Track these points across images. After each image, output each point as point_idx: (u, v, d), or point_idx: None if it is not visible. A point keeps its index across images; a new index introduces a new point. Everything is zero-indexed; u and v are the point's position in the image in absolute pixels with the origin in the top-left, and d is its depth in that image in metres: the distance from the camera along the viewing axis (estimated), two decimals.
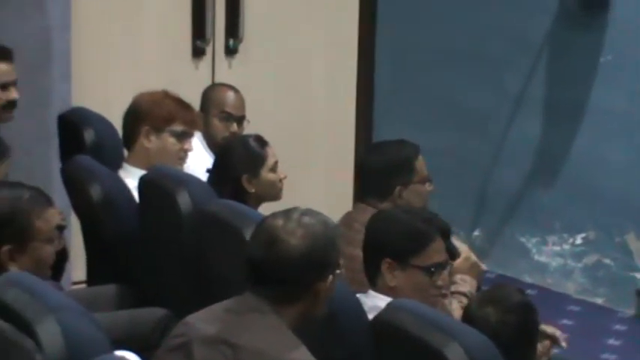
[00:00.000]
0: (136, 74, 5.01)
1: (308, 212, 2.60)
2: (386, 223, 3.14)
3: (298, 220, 2.55)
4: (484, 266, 3.71)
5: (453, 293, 3.52)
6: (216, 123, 4.42)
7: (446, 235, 3.56)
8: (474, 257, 3.62)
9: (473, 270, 3.59)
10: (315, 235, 2.54)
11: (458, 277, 3.55)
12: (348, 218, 3.79)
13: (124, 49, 5.15)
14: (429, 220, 3.15)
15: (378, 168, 3.79)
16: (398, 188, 3.75)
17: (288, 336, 2.52)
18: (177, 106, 3.95)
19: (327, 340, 2.72)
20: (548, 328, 3.24)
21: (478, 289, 3.58)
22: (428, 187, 3.83)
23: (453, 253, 3.58)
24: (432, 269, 3.09)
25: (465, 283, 3.54)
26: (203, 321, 2.58)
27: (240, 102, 4.49)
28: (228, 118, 4.42)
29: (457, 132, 5.78)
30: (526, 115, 5.55)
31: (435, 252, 3.12)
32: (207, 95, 4.52)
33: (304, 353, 2.49)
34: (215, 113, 4.43)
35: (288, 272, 2.53)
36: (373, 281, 3.11)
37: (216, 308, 2.61)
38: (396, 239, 3.09)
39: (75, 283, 4.59)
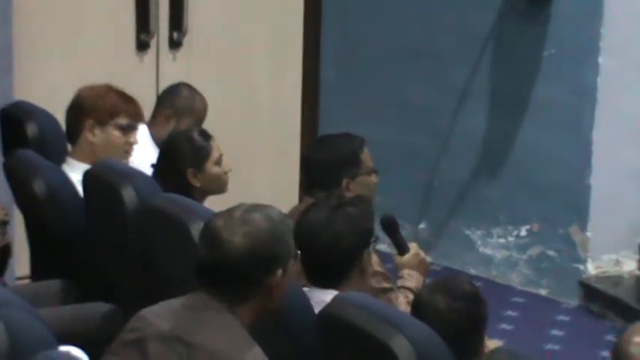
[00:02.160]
0: (80, 68, 4.97)
1: (253, 208, 2.59)
2: (337, 226, 3.15)
3: (240, 218, 2.55)
4: (429, 259, 3.74)
5: (399, 288, 3.54)
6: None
7: (395, 228, 3.59)
8: (422, 254, 3.64)
9: (421, 266, 3.61)
10: (258, 232, 2.53)
11: (405, 272, 3.58)
12: (295, 212, 3.78)
13: (67, 43, 5.11)
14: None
15: (324, 161, 3.80)
16: (345, 181, 3.77)
17: (243, 336, 2.51)
18: (121, 99, 3.93)
19: (275, 336, 2.72)
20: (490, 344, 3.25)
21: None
22: (374, 178, 3.85)
23: (402, 247, 3.61)
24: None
25: (412, 279, 3.56)
26: (159, 316, 2.57)
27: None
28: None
29: (403, 126, 5.80)
30: (471, 109, 5.59)
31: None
32: (193, 102, 4.49)
33: (258, 354, 2.49)
34: (190, 123, 4.38)
35: (235, 272, 2.53)
36: (336, 281, 3.10)
37: (172, 304, 2.60)
38: (355, 237, 3.12)
39: (19, 279, 4.55)
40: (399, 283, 3.57)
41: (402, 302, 3.45)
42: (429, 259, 3.69)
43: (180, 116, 4.45)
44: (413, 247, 3.64)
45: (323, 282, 3.11)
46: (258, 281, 2.54)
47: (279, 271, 2.56)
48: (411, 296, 3.45)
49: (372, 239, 3.20)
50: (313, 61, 5.93)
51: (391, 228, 3.63)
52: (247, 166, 5.41)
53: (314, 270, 3.12)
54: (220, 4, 5.50)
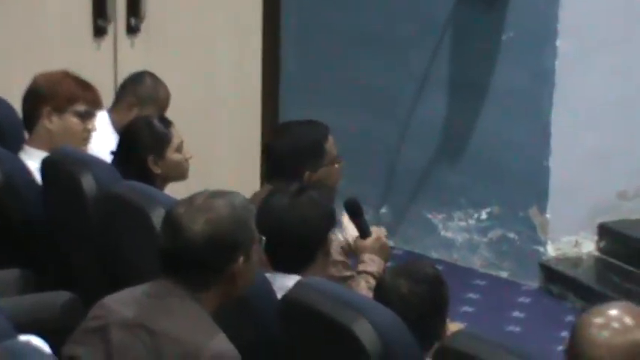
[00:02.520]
0: (36, 55, 4.93)
1: (215, 195, 2.58)
2: (301, 211, 3.14)
3: (200, 206, 2.54)
4: (391, 243, 3.75)
5: (360, 272, 3.54)
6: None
7: (358, 212, 3.59)
8: (384, 239, 3.64)
9: (382, 251, 3.61)
10: (218, 219, 2.52)
11: (366, 256, 3.58)
12: (255, 199, 3.76)
13: (23, 29, 5.06)
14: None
15: (287, 152, 3.73)
16: (307, 174, 3.71)
17: (207, 322, 2.51)
18: (79, 85, 3.89)
19: (237, 322, 2.71)
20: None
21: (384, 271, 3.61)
22: (337, 166, 3.81)
23: (365, 231, 3.61)
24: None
25: (373, 263, 3.56)
26: (121, 304, 2.56)
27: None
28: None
29: (364, 111, 5.80)
30: (431, 95, 5.59)
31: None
32: (157, 90, 4.47)
33: (222, 340, 2.48)
34: (154, 111, 4.35)
35: (197, 259, 2.52)
36: (298, 266, 3.09)
37: (135, 292, 2.59)
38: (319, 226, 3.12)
39: None
40: (360, 267, 3.57)
41: (364, 287, 3.45)
42: (390, 243, 3.69)
43: (142, 105, 4.43)
44: (375, 231, 3.64)
45: (287, 267, 3.10)
46: (220, 268, 2.54)
47: (241, 258, 2.55)
48: (372, 281, 3.45)
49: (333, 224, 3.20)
50: (273, 46, 5.91)
51: (355, 211, 3.63)
52: (208, 153, 5.39)
53: (278, 255, 3.12)
54: None
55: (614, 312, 2.33)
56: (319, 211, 3.15)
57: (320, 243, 3.13)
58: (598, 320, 2.31)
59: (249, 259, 2.57)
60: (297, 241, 3.10)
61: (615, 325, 2.29)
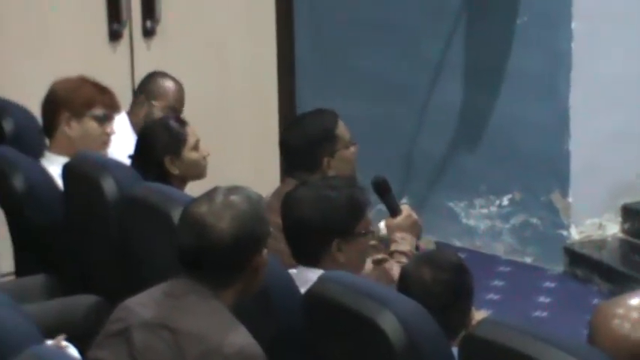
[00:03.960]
0: (53, 61, 4.95)
1: (230, 191, 2.59)
2: (323, 203, 3.11)
3: (222, 202, 2.55)
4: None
5: (392, 252, 3.52)
6: (158, 114, 4.35)
7: (386, 190, 3.57)
8: (414, 215, 3.63)
9: (414, 228, 3.60)
10: (242, 214, 2.54)
11: (398, 235, 3.55)
12: (280, 192, 3.76)
13: (38, 35, 5.08)
14: (360, 187, 3.18)
15: (300, 144, 3.79)
16: (326, 159, 3.75)
17: (228, 318, 2.52)
18: (96, 90, 3.92)
19: (260, 317, 2.72)
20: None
21: (417, 248, 3.60)
22: (353, 149, 3.84)
23: (394, 210, 3.60)
24: (369, 232, 3.14)
25: (405, 242, 3.54)
26: (142, 305, 2.57)
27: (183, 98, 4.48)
28: (170, 113, 4.36)
29: (380, 101, 5.80)
30: (446, 81, 5.58)
31: (369, 215, 3.15)
32: (157, 84, 4.49)
33: (243, 334, 2.49)
34: (161, 105, 4.38)
35: (223, 256, 2.53)
36: (316, 259, 3.08)
37: (155, 292, 2.60)
38: (340, 217, 3.09)
39: (3, 275, 4.53)
40: (393, 247, 3.54)
41: (395, 268, 3.41)
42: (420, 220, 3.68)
43: (151, 99, 4.44)
44: (405, 208, 3.63)
45: (307, 258, 3.10)
46: (244, 264, 2.55)
47: (264, 251, 2.56)
48: (404, 260, 3.42)
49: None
50: (287, 42, 5.91)
51: (383, 190, 3.63)
52: (227, 151, 5.40)
53: (299, 247, 3.12)
54: None
55: (635, 302, 2.24)
56: (338, 203, 3.13)
57: (341, 232, 3.10)
58: (619, 311, 2.23)
59: (265, 254, 2.60)
60: (316, 231, 3.08)
61: (636, 316, 2.21)
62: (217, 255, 2.53)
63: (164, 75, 4.56)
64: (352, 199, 3.14)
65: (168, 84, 4.52)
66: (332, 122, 3.81)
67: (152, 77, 4.56)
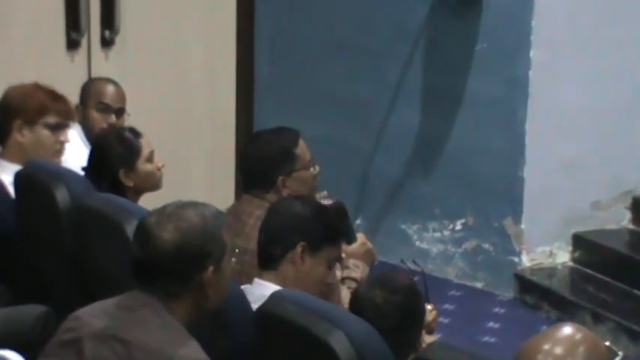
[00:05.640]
0: (9, 69, 4.90)
1: (185, 205, 2.59)
2: (304, 210, 3.14)
3: (170, 214, 2.55)
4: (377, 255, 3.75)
5: (344, 279, 3.53)
6: (95, 115, 4.36)
7: (345, 216, 3.58)
8: (369, 244, 3.64)
9: (367, 256, 3.61)
10: (187, 227, 2.53)
11: (351, 262, 3.57)
12: (235, 210, 3.75)
13: None
14: (348, 219, 3.21)
15: (259, 160, 3.75)
16: (280, 178, 3.72)
17: (180, 332, 2.51)
18: (50, 97, 3.88)
19: (212, 332, 2.70)
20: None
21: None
22: (313, 171, 3.81)
23: (350, 237, 3.60)
24: (332, 263, 3.14)
25: (358, 269, 3.57)
26: (94, 316, 2.56)
27: (119, 94, 4.43)
28: (105, 109, 4.37)
29: (338, 121, 5.81)
30: (405, 104, 5.61)
31: (339, 250, 3.18)
32: (86, 88, 4.48)
33: (194, 349, 2.48)
34: (93, 105, 4.38)
35: (165, 267, 2.52)
36: (272, 266, 3.09)
37: (108, 304, 2.59)
38: (313, 224, 3.11)
39: None
40: (345, 273, 3.55)
41: (346, 294, 3.43)
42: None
43: (83, 104, 4.40)
44: (360, 236, 3.64)
45: (267, 263, 3.12)
46: (188, 277, 2.54)
47: (211, 268, 2.55)
48: (354, 286, 3.44)
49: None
50: (247, 56, 5.91)
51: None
52: (183, 164, 5.38)
53: (263, 251, 3.14)
54: (152, 1, 5.45)
55: (562, 336, 2.18)
56: (317, 215, 3.15)
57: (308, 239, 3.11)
58: (545, 347, 2.16)
59: (219, 270, 2.56)
60: (276, 234, 3.11)
61: (559, 352, 2.14)
62: (159, 265, 2.52)
63: (96, 78, 4.54)
64: (335, 223, 3.18)
65: (92, 83, 4.49)
66: (292, 141, 3.76)
67: (83, 85, 4.53)
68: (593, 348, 2.17)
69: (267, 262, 3.12)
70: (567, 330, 2.19)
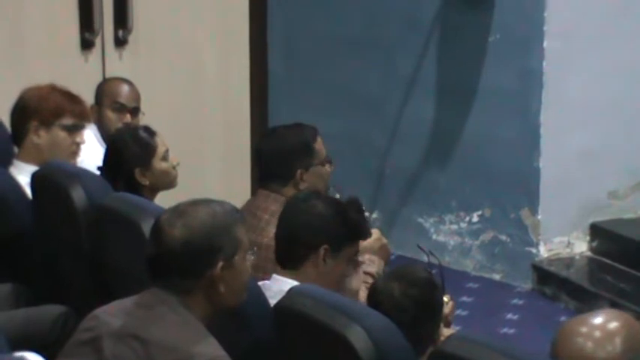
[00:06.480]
0: (23, 69, 4.92)
1: (198, 202, 2.60)
2: (327, 210, 3.13)
3: (181, 212, 2.56)
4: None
5: None
6: (110, 114, 4.38)
7: (361, 212, 3.59)
8: (384, 239, 3.65)
9: (382, 251, 3.62)
10: (198, 223, 2.54)
11: (366, 257, 3.57)
12: (250, 206, 3.76)
13: (8, 43, 5.05)
14: (364, 216, 3.21)
15: (277, 153, 3.77)
16: (299, 172, 3.74)
17: (197, 328, 2.51)
18: (66, 99, 3.89)
19: (230, 328, 2.71)
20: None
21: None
22: (328, 168, 3.83)
23: (365, 232, 3.60)
24: (350, 259, 3.14)
25: (373, 264, 3.57)
26: (113, 315, 2.57)
27: (133, 93, 4.45)
28: (120, 108, 4.39)
29: (352, 116, 5.81)
30: (419, 97, 5.60)
31: (357, 246, 3.19)
32: (101, 88, 4.51)
33: (212, 345, 2.49)
34: (108, 104, 4.40)
35: (175, 263, 2.54)
36: (293, 266, 3.09)
37: (126, 302, 2.60)
38: (335, 226, 3.10)
39: None
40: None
41: (362, 289, 3.43)
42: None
43: (96, 104, 4.41)
44: (375, 231, 3.64)
45: (290, 264, 3.11)
46: (199, 273, 2.54)
47: (220, 264, 2.54)
48: (370, 281, 3.44)
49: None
50: (261, 53, 5.91)
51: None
52: (198, 162, 5.39)
53: (284, 254, 3.13)
54: (165, 0, 5.47)
55: (599, 320, 2.22)
56: (338, 215, 3.14)
57: (331, 241, 3.11)
58: (583, 330, 2.19)
59: (231, 267, 2.56)
60: (299, 235, 3.10)
61: (598, 334, 2.18)
62: (171, 261, 2.53)
63: (111, 77, 4.56)
64: (355, 220, 3.17)
65: (107, 83, 4.51)
66: (311, 136, 3.80)
67: (98, 85, 4.54)
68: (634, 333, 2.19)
69: (287, 261, 3.12)
70: (608, 314, 2.21)
